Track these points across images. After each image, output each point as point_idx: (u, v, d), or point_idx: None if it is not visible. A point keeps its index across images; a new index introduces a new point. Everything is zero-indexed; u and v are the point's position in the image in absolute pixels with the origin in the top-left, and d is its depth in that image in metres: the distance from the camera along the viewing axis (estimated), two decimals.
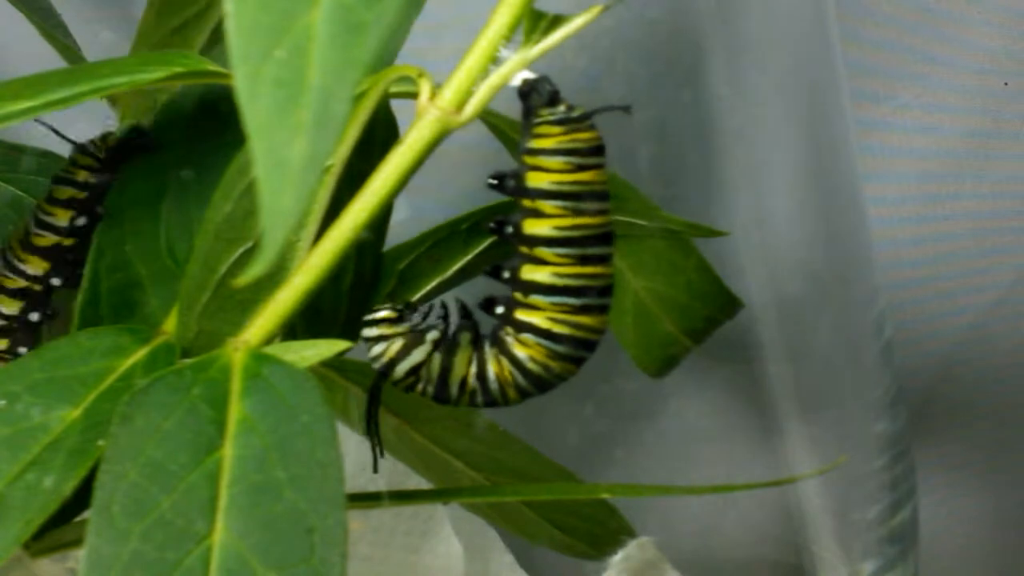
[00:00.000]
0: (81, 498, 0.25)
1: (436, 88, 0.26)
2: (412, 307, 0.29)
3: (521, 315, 0.28)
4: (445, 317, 0.29)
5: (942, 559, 0.61)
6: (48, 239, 0.34)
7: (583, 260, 0.28)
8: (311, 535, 0.24)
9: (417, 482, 0.39)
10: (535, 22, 0.26)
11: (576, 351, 0.28)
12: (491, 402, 0.29)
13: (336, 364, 0.33)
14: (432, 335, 0.29)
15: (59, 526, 0.28)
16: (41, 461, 0.26)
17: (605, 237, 0.28)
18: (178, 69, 0.28)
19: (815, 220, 0.46)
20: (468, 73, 0.26)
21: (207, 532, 0.24)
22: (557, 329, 0.28)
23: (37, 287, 0.35)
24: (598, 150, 0.28)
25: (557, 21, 0.26)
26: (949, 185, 0.58)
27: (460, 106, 0.26)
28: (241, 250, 0.27)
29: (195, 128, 0.31)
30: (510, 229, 0.28)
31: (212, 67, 0.28)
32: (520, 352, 0.28)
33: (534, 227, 0.28)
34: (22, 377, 0.27)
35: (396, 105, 0.29)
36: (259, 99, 0.18)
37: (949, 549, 0.63)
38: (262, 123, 0.18)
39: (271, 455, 0.24)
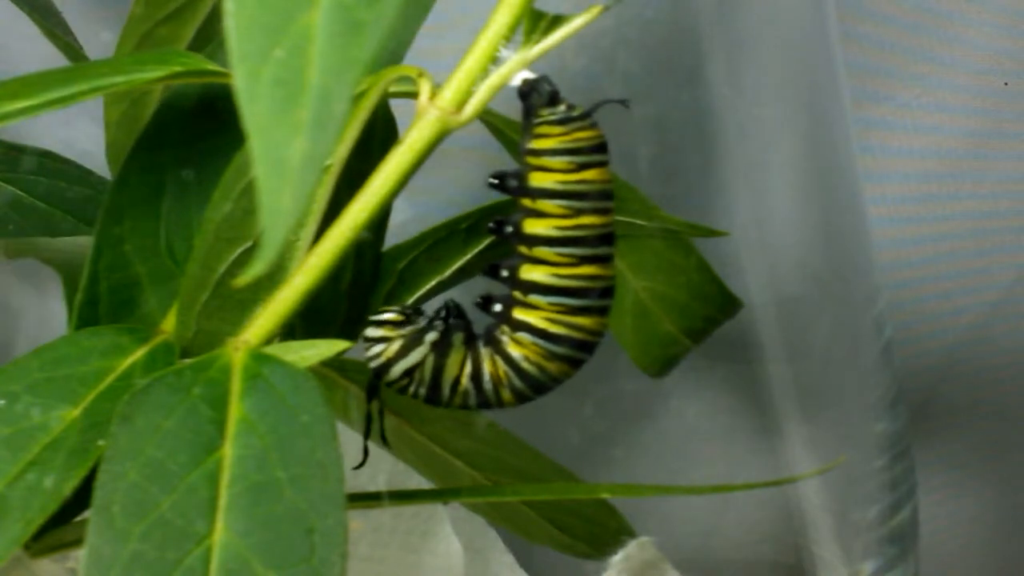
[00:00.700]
0: (81, 498, 0.25)
1: (436, 88, 0.26)
2: (418, 311, 0.29)
3: (518, 314, 0.28)
4: (447, 319, 0.29)
5: (942, 559, 0.61)
6: None
7: (583, 260, 0.28)
8: (311, 535, 0.24)
9: (418, 482, 0.39)
10: (535, 22, 0.26)
11: (572, 352, 0.28)
12: (484, 403, 0.29)
13: (336, 364, 0.33)
14: (431, 336, 0.29)
15: (59, 526, 0.28)
16: (41, 461, 0.26)
17: (606, 237, 0.28)
18: (177, 68, 0.28)
19: (815, 220, 0.46)
20: (468, 73, 0.26)
21: (207, 532, 0.24)
22: (554, 329, 0.28)
23: None
24: (600, 148, 0.28)
25: (557, 21, 0.26)
26: (949, 185, 0.58)
27: (460, 106, 0.26)
28: (240, 250, 0.27)
29: (194, 128, 0.31)
30: (510, 229, 0.28)
31: (211, 66, 0.28)
32: (515, 351, 0.28)
33: (535, 227, 0.28)
34: (21, 377, 0.27)
35: (396, 105, 0.29)
36: (258, 98, 0.18)
37: (949, 549, 0.63)
38: (261, 122, 0.18)
39: (271, 455, 0.24)
